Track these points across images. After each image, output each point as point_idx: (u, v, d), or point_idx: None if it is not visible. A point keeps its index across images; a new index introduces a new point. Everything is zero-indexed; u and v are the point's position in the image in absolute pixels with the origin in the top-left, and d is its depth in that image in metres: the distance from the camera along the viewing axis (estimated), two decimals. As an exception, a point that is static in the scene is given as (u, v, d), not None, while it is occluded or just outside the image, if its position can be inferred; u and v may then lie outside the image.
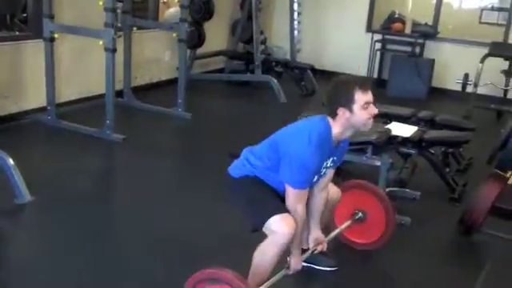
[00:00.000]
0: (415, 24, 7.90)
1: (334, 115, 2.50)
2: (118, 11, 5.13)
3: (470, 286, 2.95)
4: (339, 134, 2.54)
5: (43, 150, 4.79)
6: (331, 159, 2.63)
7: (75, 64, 5.76)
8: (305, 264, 3.09)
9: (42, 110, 5.29)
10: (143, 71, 6.76)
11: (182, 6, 5.68)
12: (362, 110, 2.45)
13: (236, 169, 2.68)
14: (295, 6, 7.60)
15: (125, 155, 4.73)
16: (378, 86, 7.99)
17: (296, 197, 2.50)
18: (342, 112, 2.47)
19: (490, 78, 6.89)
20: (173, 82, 7.19)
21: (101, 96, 5.49)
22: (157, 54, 7.04)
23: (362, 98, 2.45)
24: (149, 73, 6.92)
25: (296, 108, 6.80)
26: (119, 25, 5.01)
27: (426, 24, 7.94)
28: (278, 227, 2.44)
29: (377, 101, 2.56)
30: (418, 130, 4.24)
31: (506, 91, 6.99)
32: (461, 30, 8.29)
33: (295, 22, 7.65)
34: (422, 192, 4.11)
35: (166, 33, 7.03)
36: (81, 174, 4.23)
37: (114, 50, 4.79)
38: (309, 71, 7.33)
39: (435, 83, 7.63)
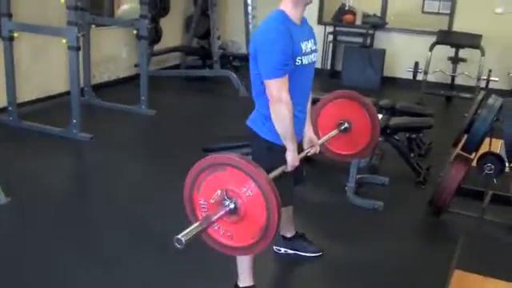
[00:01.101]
0: (365, 15, 8.13)
1: None
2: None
3: (447, 261, 3.16)
4: (293, 12, 2.51)
5: (10, 151, 4.67)
6: (311, 41, 2.59)
7: (35, 63, 5.66)
8: (290, 252, 3.23)
9: (3, 110, 5.18)
10: (101, 69, 6.69)
11: (141, 3, 5.67)
12: None
13: (256, 122, 2.63)
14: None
15: (95, 154, 4.70)
16: (332, 76, 8.21)
17: (277, 87, 2.40)
18: None
19: (438, 65, 7.20)
20: (131, 79, 7.19)
21: (62, 95, 5.43)
22: (114, 52, 6.98)
23: None
24: (107, 70, 6.85)
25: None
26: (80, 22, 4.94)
27: (374, 15, 8.20)
28: None
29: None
30: (383, 117, 4.44)
31: (453, 77, 7.31)
32: (406, 19, 8.58)
33: (250, 16, 7.70)
34: (390, 177, 4.31)
35: (122, 30, 7.00)
36: (54, 174, 4.20)
37: (78, 49, 4.74)
38: (266, 64, 7.44)
39: (387, 72, 7.89)
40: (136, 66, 7.28)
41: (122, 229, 3.43)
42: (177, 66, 8.04)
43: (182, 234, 1.89)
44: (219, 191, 2.12)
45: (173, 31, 8.01)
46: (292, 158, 2.54)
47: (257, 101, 2.61)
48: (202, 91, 7.21)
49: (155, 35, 7.03)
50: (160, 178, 4.25)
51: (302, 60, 2.49)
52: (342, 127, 3.18)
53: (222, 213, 2.08)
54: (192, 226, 1.99)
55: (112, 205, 3.76)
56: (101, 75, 6.72)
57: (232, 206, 2.09)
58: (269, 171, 2.33)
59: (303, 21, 2.60)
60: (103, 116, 5.72)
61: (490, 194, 3.78)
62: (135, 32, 5.86)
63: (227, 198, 2.10)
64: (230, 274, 2.73)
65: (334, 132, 3.15)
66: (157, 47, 7.43)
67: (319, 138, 3.01)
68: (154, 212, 3.68)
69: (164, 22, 7.30)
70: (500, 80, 6.85)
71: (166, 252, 3.13)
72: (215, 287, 2.90)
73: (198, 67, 7.75)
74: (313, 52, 2.60)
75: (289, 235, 3.21)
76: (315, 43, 2.65)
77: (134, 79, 7.21)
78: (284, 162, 2.53)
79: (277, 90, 2.40)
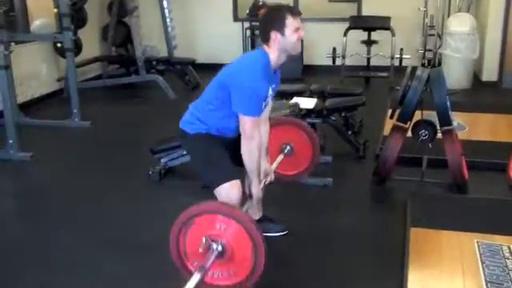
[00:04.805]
0: (279, 8, 8.39)
1: (267, 40, 2.74)
2: None
3: (399, 221, 3.45)
4: (275, 59, 2.75)
5: None
6: (272, 87, 2.85)
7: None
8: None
9: None
10: (24, 88, 6.49)
11: (62, 15, 5.59)
12: (292, 33, 2.70)
13: (187, 123, 2.89)
14: (165, 3, 7.72)
15: (40, 171, 4.61)
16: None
17: (252, 124, 2.70)
18: (274, 36, 2.71)
19: (354, 49, 7.62)
20: (54, 94, 7.08)
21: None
22: (34, 69, 6.81)
23: (292, 22, 2.71)
24: (30, 89, 6.66)
25: (187, 101, 6.97)
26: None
27: (288, 7, 8.47)
28: (227, 195, 2.72)
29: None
30: (318, 101, 4.70)
31: (368, 59, 7.75)
32: (315, 10, 8.92)
33: (168, 20, 7.77)
34: (332, 156, 4.56)
35: (39, 46, 6.84)
36: (4, 196, 4.13)
37: (7, 67, 4.64)
38: (190, 66, 7.55)
39: (307, 61, 8.19)
40: (59, 80, 7.18)
41: (85, 237, 3.45)
42: (98, 77, 7.93)
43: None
44: (203, 239, 2.36)
45: (90, 42, 7.89)
46: (257, 191, 2.88)
47: (199, 108, 2.88)
48: (130, 98, 7.18)
49: (75, 47, 6.91)
50: (110, 186, 4.25)
51: (263, 104, 2.81)
52: (286, 150, 3.56)
53: (212, 257, 2.32)
54: (193, 276, 2.26)
55: (74, 215, 3.76)
56: (24, 93, 6.52)
57: (220, 247, 2.34)
58: (207, 157, 2.77)
59: (277, 67, 2.85)
60: (37, 134, 5.57)
61: (426, 158, 4.12)
62: (59, 45, 5.77)
63: (212, 242, 2.35)
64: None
65: (280, 157, 3.50)
66: (77, 59, 7.29)
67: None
68: (109, 219, 3.71)
69: (81, 33, 7.19)
70: (411, 57, 7.34)
71: (140, 252, 3.21)
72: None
73: (121, 75, 7.70)
74: (269, 96, 2.89)
75: (256, 218, 3.36)
76: (275, 88, 2.93)
77: (57, 94, 7.11)
78: (214, 146, 2.82)
79: (251, 128, 2.70)
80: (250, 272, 2.37)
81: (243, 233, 2.34)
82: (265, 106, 2.89)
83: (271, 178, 3.12)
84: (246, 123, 2.70)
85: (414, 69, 3.96)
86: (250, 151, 2.75)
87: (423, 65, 7.58)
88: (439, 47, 7.42)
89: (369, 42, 7.65)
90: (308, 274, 3.00)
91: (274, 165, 3.35)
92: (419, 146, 4.02)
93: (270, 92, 2.86)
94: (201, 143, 2.87)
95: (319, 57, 8.08)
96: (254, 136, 2.72)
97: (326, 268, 3.06)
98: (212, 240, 2.35)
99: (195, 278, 2.23)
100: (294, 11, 2.77)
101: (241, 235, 2.34)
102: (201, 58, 8.31)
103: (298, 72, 7.94)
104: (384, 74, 7.40)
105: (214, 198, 2.77)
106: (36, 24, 7.16)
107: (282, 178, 3.57)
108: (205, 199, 2.57)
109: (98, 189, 4.22)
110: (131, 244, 3.34)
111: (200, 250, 2.35)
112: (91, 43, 7.99)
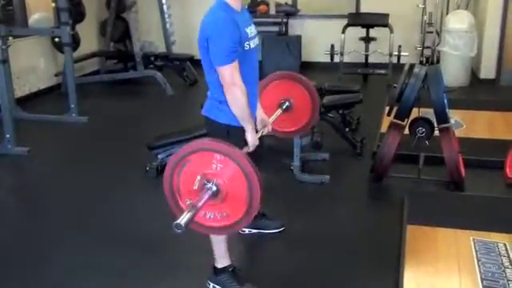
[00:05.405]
0: (277, 4, 8.39)
1: None
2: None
3: (396, 219, 3.46)
4: (233, 1, 2.66)
5: None
6: (249, 27, 2.74)
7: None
8: (254, 231, 3.39)
9: None
10: (21, 82, 6.49)
11: (60, 10, 5.58)
12: None
13: (208, 110, 2.79)
14: (163, -1, 7.71)
15: (37, 166, 4.62)
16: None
17: (230, 71, 2.56)
18: None
19: (352, 46, 7.59)
20: (52, 89, 7.07)
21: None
22: (32, 63, 6.80)
23: None
24: (27, 83, 6.66)
25: (184, 98, 7.03)
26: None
27: (286, 3, 8.47)
28: None
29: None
30: (316, 97, 4.69)
31: (366, 56, 7.73)
32: (314, 6, 8.92)
33: (166, 15, 7.75)
34: (329, 153, 4.56)
35: (37, 40, 6.83)
36: (0, 190, 4.13)
37: (5, 61, 4.63)
38: (188, 62, 7.54)
39: (305, 57, 8.18)
40: (56, 75, 7.17)
41: (83, 232, 3.46)
42: (96, 72, 7.91)
43: (178, 220, 2.03)
44: (198, 177, 2.25)
45: (88, 37, 7.87)
46: (252, 138, 2.72)
47: (210, 88, 2.77)
48: (127, 94, 7.16)
49: (73, 42, 6.89)
50: (109, 181, 4.26)
51: (249, 44, 2.69)
52: (284, 106, 3.43)
53: (206, 196, 2.20)
54: (185, 213, 2.12)
55: (72, 211, 3.77)
56: (21, 88, 6.52)
57: (214, 187, 2.22)
58: None
59: (243, 9, 2.78)
60: (34, 128, 5.57)
61: (423, 156, 4.13)
62: (57, 40, 5.76)
63: (207, 181, 2.23)
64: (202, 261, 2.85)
65: (279, 111, 3.38)
66: (75, 54, 7.28)
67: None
68: (112, 214, 3.73)
69: (79, 28, 7.17)
70: (409, 54, 7.33)
71: (138, 249, 3.22)
72: (191, 277, 3.01)
73: (119, 70, 7.69)
74: (256, 36, 2.80)
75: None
76: (255, 28, 2.84)
77: (54, 89, 7.10)
78: (243, 142, 2.68)
79: (229, 76, 2.57)
80: (243, 215, 2.28)
81: (240, 174, 2.22)
82: (253, 49, 2.74)
83: (269, 128, 3.02)
84: (225, 72, 2.56)
85: (412, 66, 3.96)
86: (235, 98, 2.61)
87: (421, 62, 7.60)
88: (437, 44, 7.43)
89: (367, 39, 7.64)
90: (304, 271, 3.01)
91: (273, 117, 3.23)
92: (416, 144, 4.02)
93: (251, 33, 2.72)
94: (230, 140, 2.55)
95: (317, 54, 8.07)
96: (236, 82, 2.58)
97: (323, 265, 3.07)
98: (207, 179, 2.24)
99: (186, 214, 2.10)
100: None
101: (237, 176, 2.23)
102: (199, 54, 8.28)
103: (296, 69, 7.93)
104: (382, 72, 7.39)
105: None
106: (34, 18, 7.14)
107: (279, 135, 3.56)
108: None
109: (95, 184, 4.22)
110: (128, 239, 3.35)
111: (195, 187, 2.26)
112: (89, 38, 7.97)
